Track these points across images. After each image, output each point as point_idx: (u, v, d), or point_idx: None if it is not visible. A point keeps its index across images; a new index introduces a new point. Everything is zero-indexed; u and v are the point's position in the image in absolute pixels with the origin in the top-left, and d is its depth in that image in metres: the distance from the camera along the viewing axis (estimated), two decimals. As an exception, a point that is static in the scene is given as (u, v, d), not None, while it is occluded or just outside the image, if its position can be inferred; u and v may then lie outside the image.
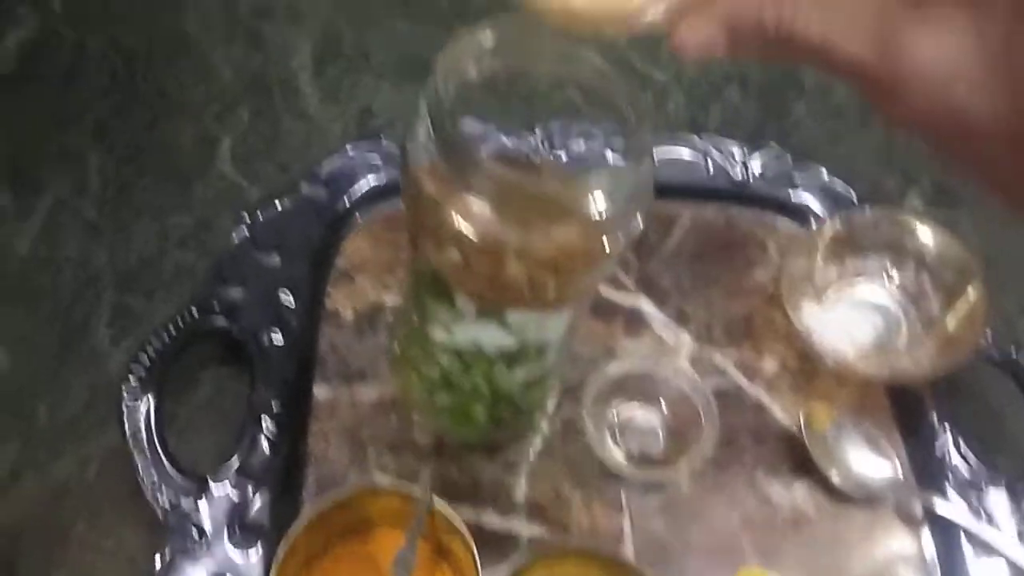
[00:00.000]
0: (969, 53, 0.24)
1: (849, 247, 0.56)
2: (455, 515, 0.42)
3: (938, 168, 0.65)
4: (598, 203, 0.34)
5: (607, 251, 0.37)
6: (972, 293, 0.52)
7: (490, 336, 0.41)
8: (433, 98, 0.34)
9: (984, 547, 0.47)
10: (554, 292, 0.38)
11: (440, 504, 0.42)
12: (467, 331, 0.41)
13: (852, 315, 0.56)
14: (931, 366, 0.52)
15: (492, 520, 0.47)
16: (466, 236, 0.35)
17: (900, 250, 0.55)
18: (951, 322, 0.53)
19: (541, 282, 0.37)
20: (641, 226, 0.36)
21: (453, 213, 0.35)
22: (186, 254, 0.57)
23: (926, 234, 0.55)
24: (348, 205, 0.57)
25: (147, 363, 0.49)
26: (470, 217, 0.35)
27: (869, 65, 0.26)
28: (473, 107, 0.38)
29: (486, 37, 0.36)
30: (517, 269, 0.36)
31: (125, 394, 0.48)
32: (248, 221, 0.55)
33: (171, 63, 0.66)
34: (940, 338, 0.53)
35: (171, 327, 0.50)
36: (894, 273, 0.56)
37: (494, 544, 0.46)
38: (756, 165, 0.61)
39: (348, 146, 0.59)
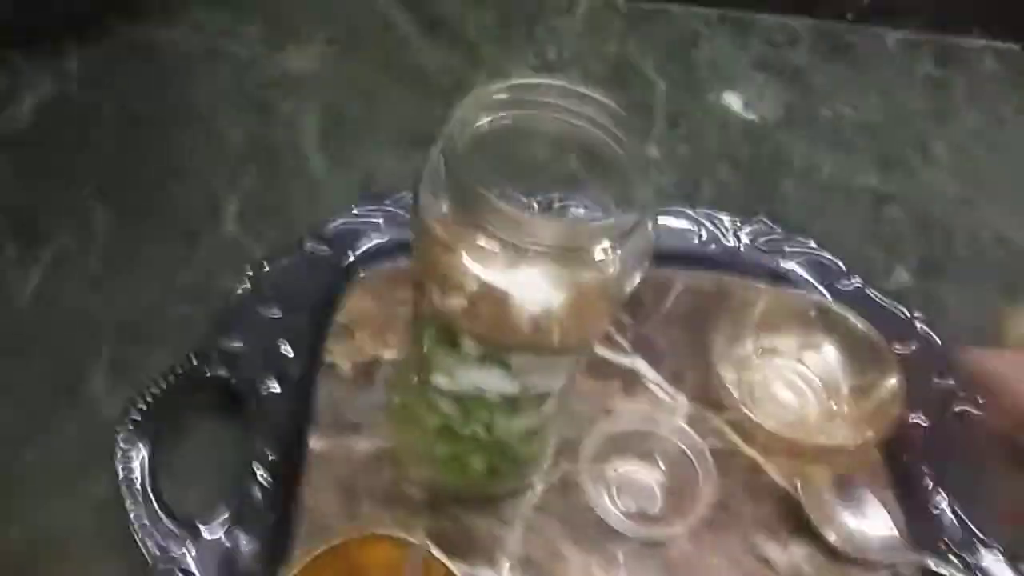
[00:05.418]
0: None
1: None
2: (451, 563, 0.41)
3: (922, 244, 0.67)
4: (605, 252, 0.36)
5: (614, 300, 0.38)
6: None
7: (493, 381, 0.41)
8: (448, 141, 0.36)
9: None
10: (559, 338, 0.39)
11: (436, 551, 0.42)
12: (470, 376, 0.41)
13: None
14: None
15: (487, 575, 0.46)
16: (474, 279, 0.36)
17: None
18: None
19: (546, 327, 0.38)
20: (641, 273, 0.37)
21: (463, 255, 0.36)
22: (188, 308, 0.57)
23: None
24: (351, 262, 0.58)
25: (143, 408, 0.48)
26: (480, 259, 0.36)
27: None
28: (480, 167, 0.40)
29: (500, 92, 0.38)
30: (522, 314, 0.37)
31: (120, 439, 0.47)
32: (251, 274, 0.56)
33: (180, 130, 0.68)
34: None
35: (169, 374, 0.50)
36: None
37: (489, 599, 0.45)
38: (746, 235, 0.63)
39: (353, 207, 0.60)
